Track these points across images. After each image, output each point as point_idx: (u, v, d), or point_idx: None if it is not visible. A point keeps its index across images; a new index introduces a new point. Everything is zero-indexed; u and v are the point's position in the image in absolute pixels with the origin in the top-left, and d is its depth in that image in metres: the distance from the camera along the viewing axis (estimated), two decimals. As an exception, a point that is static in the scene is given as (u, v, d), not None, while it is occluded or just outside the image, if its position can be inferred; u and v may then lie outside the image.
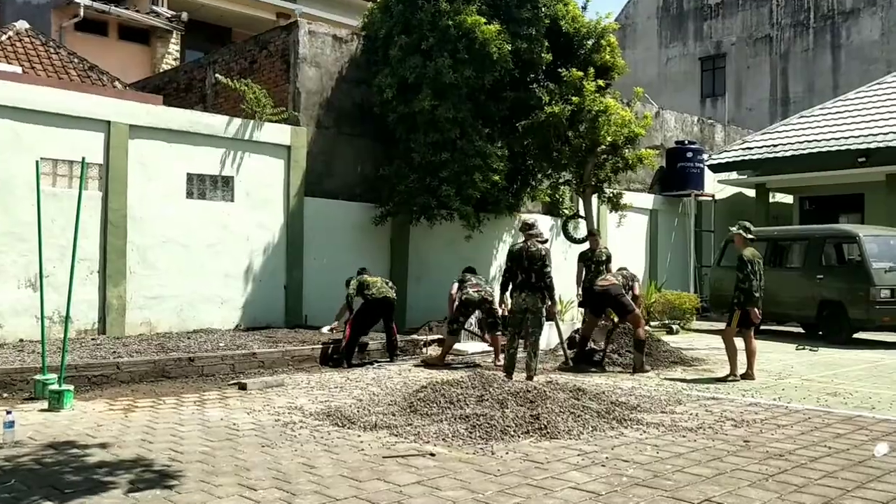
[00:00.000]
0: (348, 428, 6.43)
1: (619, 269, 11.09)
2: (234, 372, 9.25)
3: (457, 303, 10.54)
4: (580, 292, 12.16)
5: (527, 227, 8.97)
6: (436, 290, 14.00)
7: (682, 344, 12.82)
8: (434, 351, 10.96)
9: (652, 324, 15.50)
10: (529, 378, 8.55)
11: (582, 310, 13.44)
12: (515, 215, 15.30)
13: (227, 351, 9.48)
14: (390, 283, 10.72)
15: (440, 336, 11.79)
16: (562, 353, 10.58)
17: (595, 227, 14.14)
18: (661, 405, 7.51)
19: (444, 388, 7.14)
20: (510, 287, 9.05)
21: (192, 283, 11.47)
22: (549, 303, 8.89)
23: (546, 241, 10.08)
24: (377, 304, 10.28)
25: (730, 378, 9.30)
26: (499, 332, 10.19)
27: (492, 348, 11.12)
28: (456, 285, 10.91)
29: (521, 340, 9.01)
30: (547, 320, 9.62)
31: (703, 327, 16.50)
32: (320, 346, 10.05)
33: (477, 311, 10.87)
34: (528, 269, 8.73)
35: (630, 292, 10.41)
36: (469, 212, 12.83)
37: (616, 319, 10.75)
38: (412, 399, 7.07)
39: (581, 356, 10.37)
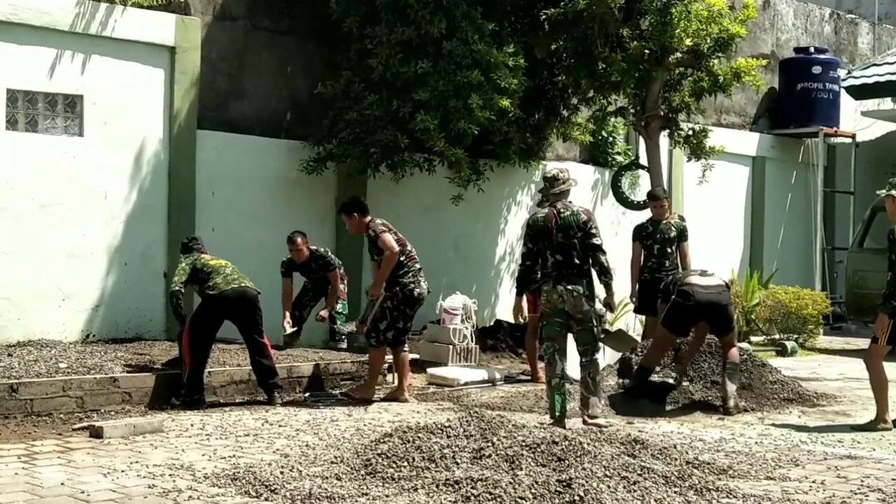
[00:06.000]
0: (266, 500, 6.45)
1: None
2: (82, 409, 9.22)
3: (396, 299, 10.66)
4: (637, 290, 12.25)
5: (549, 183, 9.25)
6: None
7: (802, 371, 12.94)
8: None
9: (752, 339, 15.60)
10: (590, 419, 8.98)
11: (642, 318, 13.57)
12: (535, 165, 15.28)
13: (71, 376, 9.45)
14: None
15: (415, 356, 11.83)
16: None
17: (664, 184, 14.17)
18: (768, 467, 7.59)
19: (421, 437, 7.16)
20: (532, 279, 9.34)
21: (14, 267, 11.43)
22: (607, 295, 9.24)
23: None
24: (229, 304, 10.03)
25: (877, 426, 9.40)
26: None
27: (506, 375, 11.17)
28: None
29: (563, 363, 9.16)
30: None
31: (834, 345, 16.61)
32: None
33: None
34: (563, 246, 9.01)
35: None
36: (460, 157, 12.80)
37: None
38: (369, 454, 7.08)
39: (641, 387, 10.55)
